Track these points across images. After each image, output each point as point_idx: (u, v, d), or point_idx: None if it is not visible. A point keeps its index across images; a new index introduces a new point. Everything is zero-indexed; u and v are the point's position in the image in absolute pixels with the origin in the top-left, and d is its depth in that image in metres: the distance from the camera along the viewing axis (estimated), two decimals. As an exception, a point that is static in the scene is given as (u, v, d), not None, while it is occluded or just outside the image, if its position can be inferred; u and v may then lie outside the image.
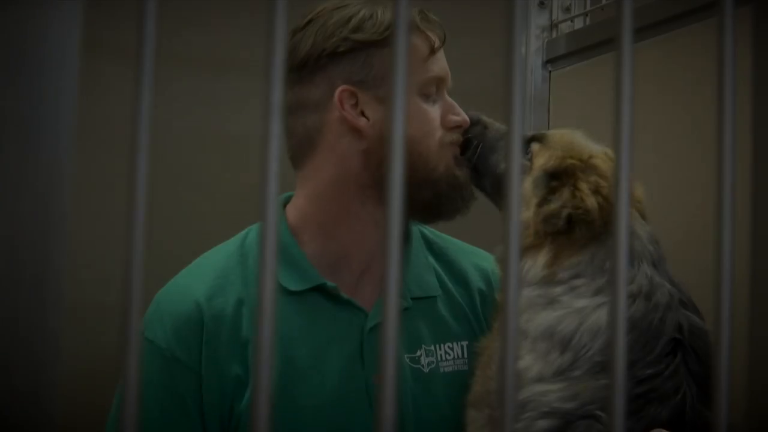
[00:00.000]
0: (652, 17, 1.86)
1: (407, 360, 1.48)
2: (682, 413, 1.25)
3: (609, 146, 1.40)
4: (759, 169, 1.47)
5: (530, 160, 1.44)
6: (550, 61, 2.23)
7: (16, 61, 0.55)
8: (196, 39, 2.04)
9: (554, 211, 1.34)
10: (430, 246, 1.61)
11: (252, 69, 1.98)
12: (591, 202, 1.33)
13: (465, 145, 1.50)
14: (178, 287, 1.48)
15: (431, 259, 1.59)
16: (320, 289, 1.47)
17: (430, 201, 1.49)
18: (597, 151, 1.41)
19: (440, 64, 1.50)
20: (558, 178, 1.38)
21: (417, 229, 1.60)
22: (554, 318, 1.31)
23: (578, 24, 2.22)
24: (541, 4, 2.23)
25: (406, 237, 1.57)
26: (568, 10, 2.23)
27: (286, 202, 1.55)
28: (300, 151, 1.51)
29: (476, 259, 1.63)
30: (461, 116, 1.51)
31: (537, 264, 1.36)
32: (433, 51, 1.48)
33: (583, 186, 1.35)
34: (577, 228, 1.34)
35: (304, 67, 1.47)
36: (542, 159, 1.42)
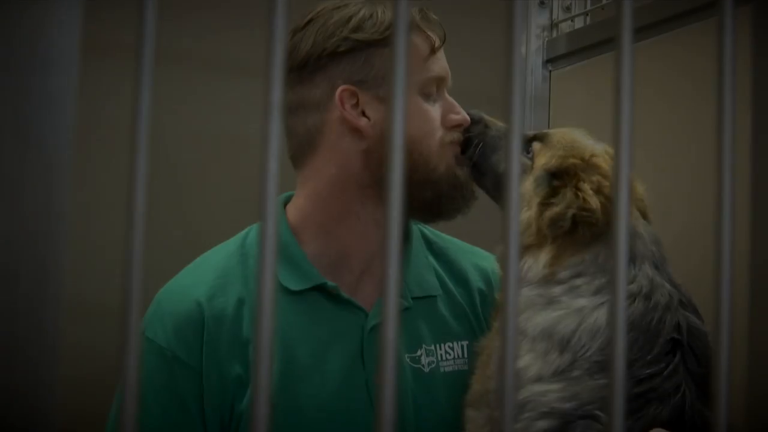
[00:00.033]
0: (652, 17, 1.86)
1: (408, 360, 1.48)
2: (681, 413, 1.25)
3: (610, 145, 1.40)
4: (759, 168, 1.47)
5: (532, 159, 1.44)
6: (551, 61, 2.23)
7: (16, 61, 0.55)
8: (195, 39, 2.04)
9: (560, 214, 1.34)
10: (431, 246, 1.61)
11: (252, 69, 1.98)
12: (594, 202, 1.33)
13: (466, 144, 1.50)
14: (178, 287, 1.48)
15: (431, 259, 1.59)
16: (320, 289, 1.48)
17: (431, 200, 1.49)
18: (598, 149, 1.41)
19: (440, 64, 1.50)
20: (559, 177, 1.38)
21: (417, 228, 1.60)
22: (553, 318, 1.31)
23: (578, 23, 2.22)
24: (542, 4, 2.23)
25: (407, 236, 1.57)
26: (568, 9, 2.23)
27: (287, 201, 1.55)
28: (300, 150, 1.51)
29: (476, 258, 1.63)
30: (461, 115, 1.51)
31: (538, 263, 1.36)
32: (433, 50, 1.48)
33: (585, 186, 1.35)
34: (580, 228, 1.34)
35: (305, 67, 1.47)
36: (544, 158, 1.42)
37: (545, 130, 1.50)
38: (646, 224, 1.39)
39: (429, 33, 1.48)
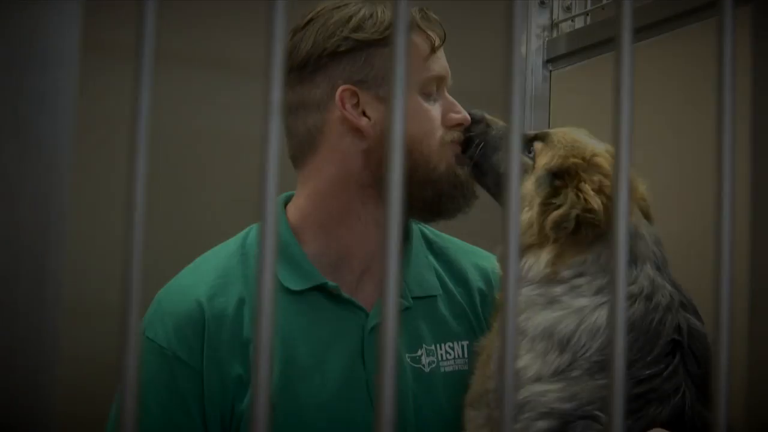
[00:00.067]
0: (652, 17, 1.86)
1: (408, 360, 1.48)
2: (681, 413, 1.25)
3: (611, 145, 1.40)
4: (759, 167, 1.47)
5: (533, 159, 1.44)
6: (551, 61, 2.23)
7: (16, 61, 0.55)
8: (195, 39, 2.04)
9: (563, 215, 1.34)
10: (431, 245, 1.61)
11: (252, 68, 1.98)
12: (596, 202, 1.33)
13: (467, 143, 1.50)
14: (179, 287, 1.48)
15: (431, 259, 1.59)
16: (321, 289, 1.48)
17: (432, 200, 1.49)
18: (600, 149, 1.41)
19: (440, 63, 1.51)
20: (561, 177, 1.38)
21: (417, 228, 1.60)
22: (554, 318, 1.31)
23: (579, 23, 2.22)
24: (542, 4, 2.23)
25: (407, 236, 1.57)
26: (568, 9, 2.23)
27: (287, 201, 1.55)
28: (301, 150, 1.51)
29: (476, 258, 1.63)
30: (462, 114, 1.51)
31: (539, 262, 1.36)
32: (433, 50, 1.48)
33: (587, 187, 1.35)
34: (582, 228, 1.33)
35: (305, 67, 1.47)
36: (545, 158, 1.42)
37: (547, 130, 1.50)
38: (647, 225, 1.39)
39: (429, 32, 1.48)
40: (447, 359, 1.52)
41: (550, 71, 2.23)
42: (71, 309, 1.86)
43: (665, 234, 1.40)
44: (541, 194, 1.38)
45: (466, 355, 1.53)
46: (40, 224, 0.56)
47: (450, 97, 1.52)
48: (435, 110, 1.49)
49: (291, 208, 1.53)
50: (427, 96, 1.49)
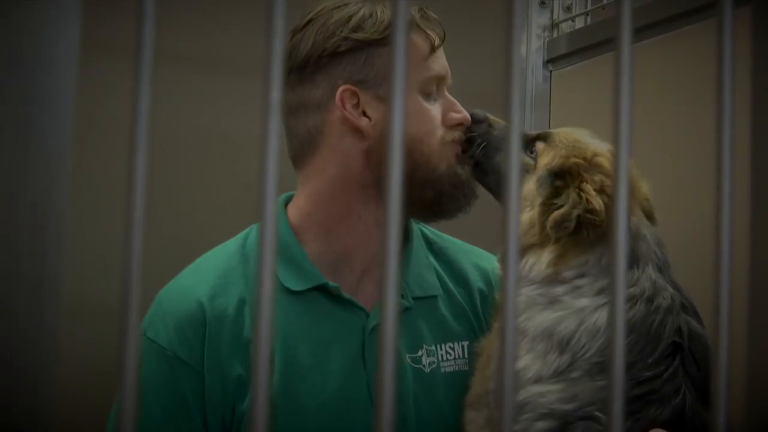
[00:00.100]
0: (652, 17, 1.86)
1: (408, 360, 1.48)
2: (681, 414, 1.25)
3: (612, 145, 1.40)
4: (758, 168, 1.47)
5: (535, 159, 1.44)
6: (551, 61, 2.23)
7: (15, 61, 0.55)
8: (195, 38, 2.04)
9: (565, 215, 1.34)
10: (431, 245, 1.61)
11: (251, 68, 1.98)
12: (597, 203, 1.33)
13: (469, 143, 1.50)
14: (180, 287, 1.48)
15: (432, 259, 1.59)
16: (322, 289, 1.47)
17: (432, 199, 1.49)
18: (601, 149, 1.41)
19: (440, 63, 1.50)
20: (562, 177, 1.38)
21: (417, 228, 1.60)
22: (554, 318, 1.31)
23: (579, 23, 2.22)
24: (542, 4, 2.22)
25: (407, 236, 1.57)
26: (569, 9, 2.23)
27: (287, 201, 1.55)
28: (301, 151, 1.51)
29: (476, 258, 1.63)
30: (462, 114, 1.51)
31: (541, 262, 1.36)
32: (433, 49, 1.48)
33: (588, 187, 1.34)
34: (583, 228, 1.33)
35: (305, 68, 1.47)
36: (547, 158, 1.42)
37: (549, 130, 1.50)
38: (649, 225, 1.39)
39: (428, 32, 1.48)
40: (447, 359, 1.52)
41: (551, 71, 2.23)
42: (71, 309, 1.86)
43: (665, 234, 1.40)
44: (543, 194, 1.38)
45: (466, 356, 1.53)
46: (40, 224, 0.56)
47: (450, 97, 1.52)
48: (435, 110, 1.49)
49: (291, 208, 1.53)
50: (427, 95, 1.49)
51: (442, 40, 1.50)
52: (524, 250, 1.38)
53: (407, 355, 1.48)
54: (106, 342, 1.79)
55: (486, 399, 1.38)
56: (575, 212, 1.33)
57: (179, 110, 2.02)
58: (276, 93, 0.56)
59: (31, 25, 0.56)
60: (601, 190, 1.34)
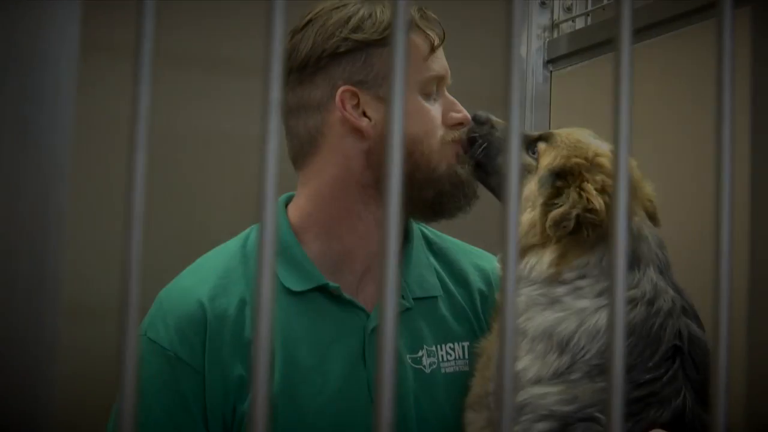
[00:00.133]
0: (652, 18, 1.86)
1: (409, 360, 1.48)
2: (682, 416, 1.25)
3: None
4: (758, 168, 1.46)
5: (537, 159, 1.44)
6: (552, 61, 2.22)
7: (15, 60, 0.55)
8: (194, 38, 2.03)
9: (563, 214, 1.34)
10: (431, 246, 1.61)
11: (251, 69, 1.98)
12: (598, 202, 1.32)
13: (470, 143, 1.50)
14: (181, 287, 1.48)
15: (432, 259, 1.59)
16: (322, 290, 1.47)
17: (433, 199, 1.49)
18: (603, 149, 1.41)
19: (440, 63, 1.50)
20: (563, 177, 1.38)
21: (418, 228, 1.60)
22: (554, 319, 1.31)
23: (579, 24, 2.21)
24: (543, 4, 2.22)
25: (408, 237, 1.57)
26: (569, 9, 2.23)
27: (288, 201, 1.55)
28: (301, 151, 1.51)
29: (476, 259, 1.63)
30: (462, 113, 1.51)
31: (542, 262, 1.36)
32: (432, 49, 1.48)
33: (589, 186, 1.34)
34: (584, 228, 1.33)
35: (305, 68, 1.47)
36: (548, 158, 1.42)
37: (551, 131, 1.50)
38: (651, 226, 1.39)
39: (428, 32, 1.48)
40: (448, 360, 1.52)
41: (551, 72, 2.23)
42: (70, 309, 1.86)
43: (665, 235, 1.40)
44: (544, 194, 1.38)
45: (466, 356, 1.53)
46: (39, 224, 0.56)
47: (450, 97, 1.52)
48: (435, 110, 1.49)
49: (292, 208, 1.53)
50: (427, 96, 1.49)
51: (442, 40, 1.50)
52: (525, 250, 1.38)
53: (408, 356, 1.48)
54: (106, 342, 1.79)
55: (486, 400, 1.38)
56: (574, 211, 1.33)
57: (179, 110, 2.01)
58: (276, 93, 0.56)
59: (31, 24, 0.56)
60: (602, 190, 1.34)
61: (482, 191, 1.53)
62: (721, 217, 0.61)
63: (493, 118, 1.51)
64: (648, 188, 1.43)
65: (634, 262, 1.32)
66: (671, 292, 1.31)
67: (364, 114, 1.46)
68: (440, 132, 1.49)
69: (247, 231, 1.55)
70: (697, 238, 1.57)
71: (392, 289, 0.55)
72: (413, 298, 1.52)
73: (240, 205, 1.87)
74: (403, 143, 0.58)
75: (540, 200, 1.38)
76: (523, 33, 2.19)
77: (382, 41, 1.45)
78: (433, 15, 1.50)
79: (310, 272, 1.47)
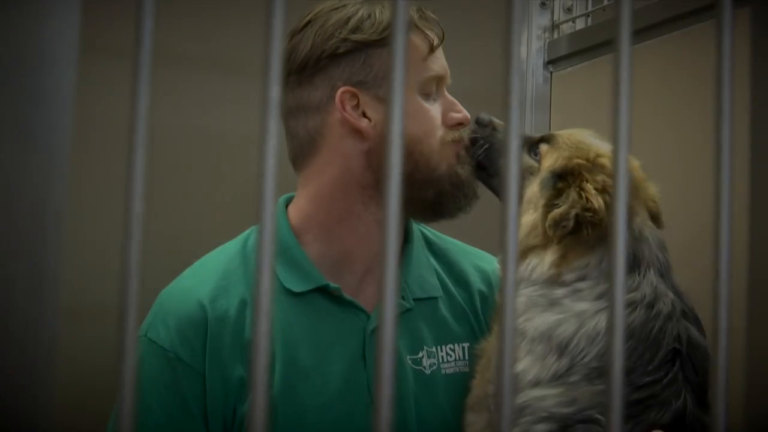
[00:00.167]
0: (652, 18, 1.86)
1: (409, 361, 1.48)
2: (682, 418, 1.25)
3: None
4: (758, 168, 1.46)
5: (539, 161, 1.44)
6: (552, 62, 2.22)
7: (13, 61, 0.55)
8: (194, 39, 2.04)
9: (563, 214, 1.33)
10: (431, 246, 1.61)
11: (250, 69, 1.98)
12: (597, 201, 1.32)
13: (472, 144, 1.50)
14: (181, 288, 1.48)
15: (432, 260, 1.59)
16: (322, 290, 1.47)
17: (433, 200, 1.49)
18: (604, 150, 1.40)
19: (440, 63, 1.50)
20: (564, 178, 1.38)
21: (418, 229, 1.60)
22: (553, 321, 1.31)
23: (580, 24, 2.21)
24: (543, 5, 2.22)
25: (408, 237, 1.57)
26: (569, 10, 2.23)
27: (288, 202, 1.55)
28: (301, 152, 1.51)
29: (477, 260, 1.63)
30: (462, 113, 1.51)
31: (543, 263, 1.36)
32: (432, 49, 1.48)
33: (589, 186, 1.34)
34: (584, 229, 1.33)
35: (304, 70, 1.47)
36: (550, 160, 1.42)
37: (553, 132, 1.50)
38: (652, 228, 1.38)
39: (427, 32, 1.48)
40: (448, 361, 1.51)
41: (551, 72, 2.22)
42: (70, 309, 1.86)
43: (665, 235, 1.40)
44: (545, 196, 1.38)
45: (466, 357, 1.53)
46: (39, 224, 0.56)
47: (450, 97, 1.52)
48: (435, 110, 1.49)
49: (292, 209, 1.53)
50: (427, 96, 1.49)
51: (441, 40, 1.50)
52: (527, 251, 1.38)
53: (408, 357, 1.48)
54: (106, 343, 1.79)
55: (486, 402, 1.38)
56: (573, 211, 1.33)
57: (178, 110, 2.02)
58: (274, 93, 0.56)
59: (31, 25, 0.56)
60: (602, 190, 1.34)
61: (482, 192, 1.53)
62: (720, 218, 0.60)
63: (495, 120, 1.51)
64: (652, 189, 1.43)
65: (634, 264, 1.32)
66: (671, 295, 1.31)
67: (364, 115, 1.46)
68: (440, 132, 1.49)
69: (247, 232, 1.55)
70: (696, 239, 1.57)
71: (392, 290, 0.55)
72: (413, 299, 1.51)
73: (239, 206, 1.87)
74: (402, 144, 0.58)
75: (541, 202, 1.38)
76: (524, 34, 2.19)
77: (382, 42, 1.45)
78: (432, 15, 1.50)
79: (311, 273, 1.47)
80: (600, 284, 1.31)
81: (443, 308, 1.55)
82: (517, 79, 0.58)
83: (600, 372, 1.24)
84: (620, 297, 0.58)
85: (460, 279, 1.59)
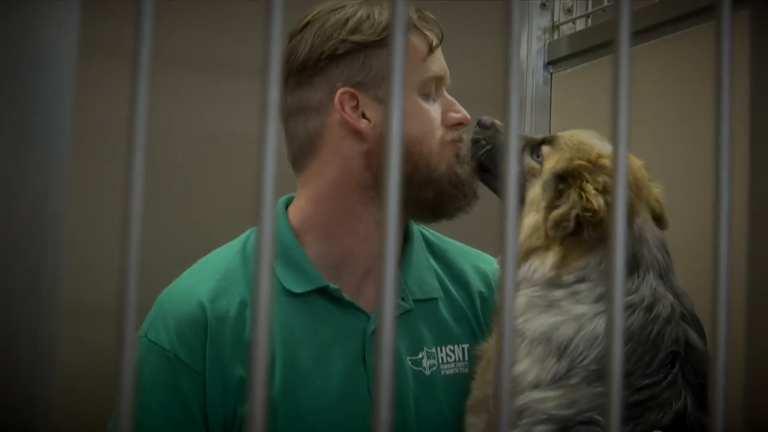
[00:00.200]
0: (651, 20, 1.86)
1: (409, 362, 1.48)
2: (682, 420, 1.25)
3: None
4: (757, 170, 1.47)
5: (541, 163, 1.44)
6: (552, 63, 2.22)
7: (12, 62, 0.55)
8: (193, 40, 2.03)
9: (563, 215, 1.33)
10: (431, 247, 1.61)
11: (249, 70, 1.98)
12: (598, 202, 1.32)
13: (474, 145, 1.50)
14: (181, 288, 1.48)
15: (432, 261, 1.59)
16: (322, 291, 1.47)
17: (432, 200, 1.49)
18: (606, 151, 1.40)
19: (439, 63, 1.50)
20: (566, 180, 1.38)
21: (418, 230, 1.60)
22: (552, 323, 1.31)
23: (580, 25, 2.21)
24: (543, 6, 2.22)
25: (408, 238, 1.57)
26: (569, 11, 2.23)
27: (288, 203, 1.55)
28: (301, 154, 1.51)
29: (476, 261, 1.62)
30: (462, 113, 1.51)
31: (545, 264, 1.36)
32: (431, 50, 1.48)
33: (589, 186, 1.34)
34: (585, 229, 1.33)
35: (303, 71, 1.47)
36: (552, 161, 1.42)
37: (555, 133, 1.50)
38: (654, 228, 1.38)
39: (426, 32, 1.48)
40: (447, 362, 1.51)
41: (551, 73, 2.22)
42: (69, 309, 1.86)
43: (665, 236, 1.40)
44: (547, 197, 1.38)
45: (466, 358, 1.52)
46: (38, 224, 0.56)
47: (449, 97, 1.52)
48: (434, 110, 1.49)
49: (292, 210, 1.53)
50: (426, 96, 1.49)
51: (440, 41, 1.50)
52: (529, 253, 1.38)
53: (407, 358, 1.48)
54: (105, 343, 1.79)
55: (486, 404, 1.38)
56: (574, 212, 1.33)
57: (177, 111, 2.01)
58: (274, 94, 0.56)
59: (30, 25, 0.56)
60: (603, 191, 1.34)
61: (482, 192, 1.53)
62: (719, 219, 0.61)
63: (498, 122, 1.51)
64: (655, 189, 1.43)
65: (634, 266, 1.32)
66: (670, 297, 1.31)
67: (364, 115, 1.46)
68: (439, 132, 1.49)
69: (247, 232, 1.55)
70: (696, 240, 1.57)
71: (391, 291, 0.55)
72: (413, 300, 1.51)
73: (239, 207, 1.87)
74: (402, 144, 0.58)
75: (543, 203, 1.38)
76: (524, 34, 2.19)
77: (381, 42, 1.45)
78: (431, 15, 1.50)
79: (311, 274, 1.47)
80: (599, 286, 1.31)
81: (443, 309, 1.55)
82: (516, 80, 0.58)
83: (599, 375, 1.24)
84: (619, 300, 0.58)
85: (459, 280, 1.59)
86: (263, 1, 0.57)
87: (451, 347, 1.53)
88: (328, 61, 1.46)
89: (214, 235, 1.60)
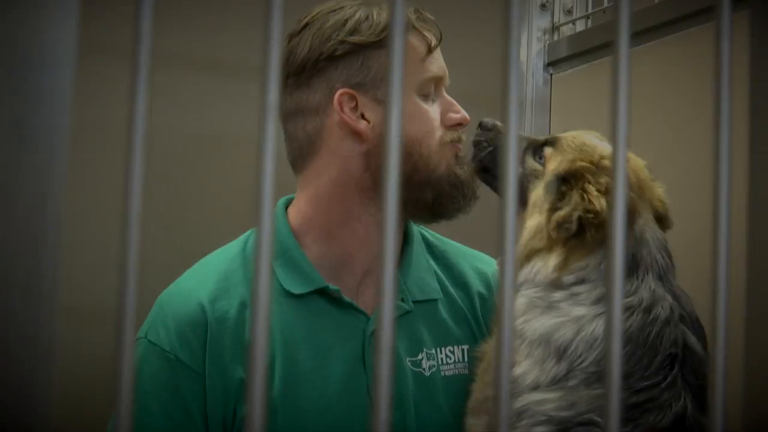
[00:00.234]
0: (651, 20, 1.85)
1: (408, 363, 1.48)
2: (682, 421, 1.25)
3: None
4: (756, 170, 1.46)
5: (543, 164, 1.44)
6: (552, 64, 2.22)
7: (12, 62, 0.55)
8: (192, 40, 2.04)
9: (565, 216, 1.33)
10: (431, 248, 1.61)
11: (249, 71, 1.98)
12: (600, 203, 1.32)
13: (476, 146, 1.50)
14: (181, 289, 1.48)
15: (432, 262, 1.59)
16: (322, 292, 1.47)
17: (432, 201, 1.49)
18: (608, 152, 1.40)
19: (438, 63, 1.50)
20: (568, 181, 1.38)
21: (418, 231, 1.60)
22: (551, 325, 1.30)
23: (580, 26, 2.21)
24: (543, 7, 2.22)
25: (407, 239, 1.57)
26: (569, 12, 2.23)
27: (288, 204, 1.55)
28: (300, 155, 1.51)
29: (476, 262, 1.62)
30: (461, 114, 1.51)
31: (547, 266, 1.35)
32: (430, 50, 1.48)
33: (591, 188, 1.34)
34: (587, 231, 1.33)
35: (302, 72, 1.47)
36: (554, 163, 1.41)
37: (558, 135, 1.50)
38: (655, 229, 1.38)
39: (425, 33, 1.48)
40: (447, 363, 1.51)
41: (551, 74, 2.22)
42: (68, 311, 1.86)
43: (666, 236, 1.40)
44: (549, 199, 1.38)
45: (466, 359, 1.52)
46: (37, 225, 0.56)
47: (448, 97, 1.52)
48: (433, 111, 1.49)
49: (292, 211, 1.53)
50: (425, 97, 1.49)
51: (439, 41, 1.50)
52: (532, 254, 1.38)
53: (407, 359, 1.48)
54: (104, 345, 1.78)
55: (486, 405, 1.37)
56: (576, 213, 1.33)
57: (177, 112, 2.01)
58: (273, 95, 0.56)
59: (30, 25, 0.56)
60: (605, 192, 1.33)
61: (483, 192, 1.53)
62: (719, 220, 0.60)
63: (499, 124, 1.51)
64: (658, 189, 1.42)
65: (633, 267, 1.31)
66: (669, 299, 1.31)
67: (363, 116, 1.46)
68: (439, 133, 1.49)
69: (247, 233, 1.55)
70: (696, 240, 1.57)
71: (390, 291, 0.55)
72: (413, 301, 1.51)
73: (239, 208, 1.87)
74: (401, 145, 0.58)
75: (546, 205, 1.38)
76: (524, 35, 2.19)
77: (380, 43, 1.45)
78: (429, 16, 1.50)
79: (310, 275, 1.47)
80: (598, 287, 1.31)
81: (443, 310, 1.54)
82: (516, 81, 0.58)
83: (598, 377, 1.24)
84: (618, 302, 0.58)
85: (459, 281, 1.59)
86: (263, 1, 0.57)
87: (451, 348, 1.53)
88: (327, 62, 1.46)
89: (214, 235, 1.60)
